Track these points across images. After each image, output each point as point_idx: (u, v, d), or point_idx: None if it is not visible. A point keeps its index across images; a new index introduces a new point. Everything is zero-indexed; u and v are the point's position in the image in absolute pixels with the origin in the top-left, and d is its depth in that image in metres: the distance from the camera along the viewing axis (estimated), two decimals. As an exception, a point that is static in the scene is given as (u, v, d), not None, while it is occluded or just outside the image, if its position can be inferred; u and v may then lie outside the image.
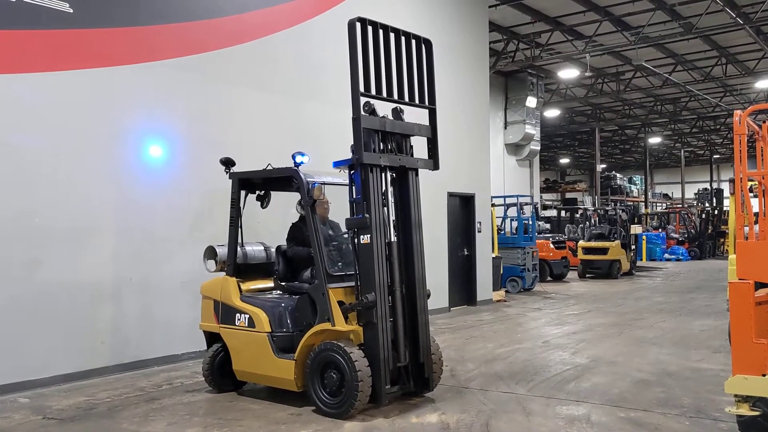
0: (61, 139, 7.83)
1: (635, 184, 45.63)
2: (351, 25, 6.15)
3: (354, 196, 6.31)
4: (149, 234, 8.61)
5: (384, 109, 6.56)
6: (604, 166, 46.09)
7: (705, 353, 8.96)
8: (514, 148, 26.02)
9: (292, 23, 10.59)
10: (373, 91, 6.31)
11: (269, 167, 6.99)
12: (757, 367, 4.94)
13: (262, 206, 7.41)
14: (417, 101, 6.77)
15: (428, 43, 6.83)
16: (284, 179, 6.85)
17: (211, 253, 7.39)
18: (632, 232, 23.77)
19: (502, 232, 19.16)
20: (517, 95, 25.38)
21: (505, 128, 25.70)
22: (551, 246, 21.00)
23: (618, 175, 45.15)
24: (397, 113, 6.60)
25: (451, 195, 13.95)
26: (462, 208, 14.51)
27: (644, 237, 29.85)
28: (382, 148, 6.40)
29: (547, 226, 30.43)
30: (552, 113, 31.23)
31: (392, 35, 6.53)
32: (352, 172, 6.31)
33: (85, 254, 7.97)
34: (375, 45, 6.36)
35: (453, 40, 14.02)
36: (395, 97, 6.55)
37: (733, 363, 5.06)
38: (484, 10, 15.46)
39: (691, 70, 26.03)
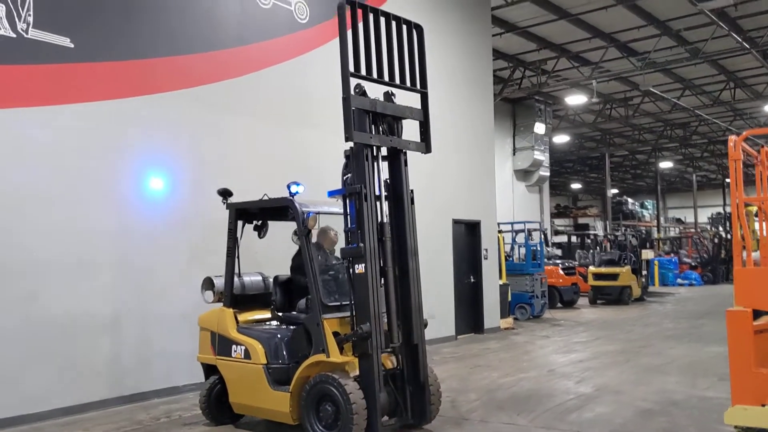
0: (61, 171, 7.89)
1: (647, 209, 45.34)
2: (340, 7, 6.12)
3: (349, 225, 6.28)
4: (149, 265, 8.61)
5: (375, 95, 6.49)
6: (615, 191, 45.92)
7: (712, 381, 8.79)
8: (523, 174, 25.99)
9: (292, 55, 10.67)
10: (363, 72, 6.26)
11: (265, 197, 6.99)
12: (757, 397, 4.85)
13: (260, 236, 7.40)
14: (408, 85, 6.69)
15: (419, 28, 6.78)
16: (280, 209, 6.85)
17: (208, 284, 7.37)
18: (643, 257, 23.56)
19: (511, 258, 19.05)
20: (525, 121, 25.43)
21: (514, 154, 25.71)
22: (561, 272, 20.85)
23: (629, 200, 44.91)
24: (389, 97, 6.56)
25: (456, 222, 13.90)
26: (467, 235, 14.45)
27: (656, 262, 29.58)
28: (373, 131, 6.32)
29: (558, 252, 30.22)
30: (561, 139, 31.20)
31: (383, 19, 6.49)
32: (347, 201, 6.29)
33: (84, 286, 7.97)
34: (365, 28, 6.32)
35: (457, 68, 14.07)
36: (386, 79, 6.48)
37: (732, 393, 4.96)
38: (488, 39, 15.52)
39: (700, 95, 26.00)
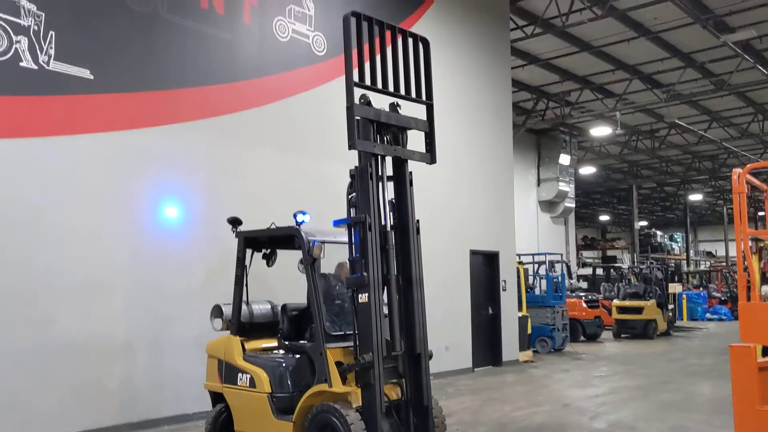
0: (77, 197, 8.07)
1: (676, 242, 44.68)
2: (346, 19, 6.12)
3: (353, 255, 6.28)
4: (162, 291, 8.71)
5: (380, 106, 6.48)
6: (644, 223, 45.41)
7: (728, 419, 8.50)
8: (547, 206, 25.87)
9: (310, 86, 10.81)
10: (368, 82, 6.24)
11: (273, 226, 7.05)
12: (761, 436, 4.73)
13: (268, 265, 7.43)
14: (414, 96, 6.65)
15: (425, 41, 6.74)
16: (287, 238, 6.89)
17: (217, 311, 7.40)
18: (671, 290, 23.16)
19: (532, 290, 18.85)
20: (550, 153, 25.38)
21: (539, 185, 25.64)
22: (584, 305, 20.56)
23: (658, 232, 44.32)
24: (394, 108, 6.55)
25: (474, 253, 13.82)
26: (485, 266, 14.36)
27: (684, 296, 29.04)
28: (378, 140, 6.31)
29: (584, 284, 29.83)
30: (588, 170, 31.00)
31: (388, 32, 6.47)
32: (351, 229, 6.30)
33: (98, 310, 8.09)
34: (370, 39, 6.32)
35: (476, 100, 14.13)
36: (391, 89, 6.46)
37: (736, 431, 4.85)
38: (507, 69, 15.55)
39: (727, 127, 25.72)
